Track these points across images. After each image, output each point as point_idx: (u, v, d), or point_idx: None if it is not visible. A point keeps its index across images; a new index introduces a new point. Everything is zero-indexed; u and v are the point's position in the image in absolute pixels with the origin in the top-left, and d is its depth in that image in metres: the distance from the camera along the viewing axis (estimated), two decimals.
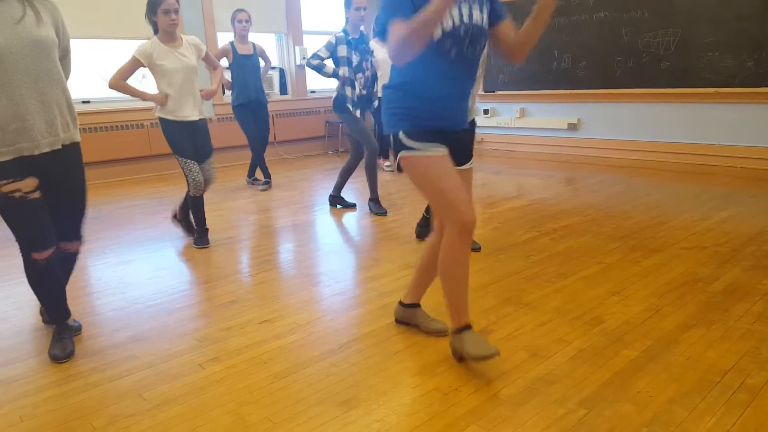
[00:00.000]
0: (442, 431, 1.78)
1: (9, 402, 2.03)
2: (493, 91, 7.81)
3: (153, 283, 3.18)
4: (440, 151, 2.02)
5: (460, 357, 2.19)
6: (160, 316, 2.74)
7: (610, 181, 5.47)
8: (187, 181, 3.67)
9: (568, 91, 7.05)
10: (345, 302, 2.82)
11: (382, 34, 1.92)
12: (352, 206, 4.79)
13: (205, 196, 3.86)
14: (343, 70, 4.30)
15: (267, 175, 5.81)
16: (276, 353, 2.32)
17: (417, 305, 2.49)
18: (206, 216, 4.05)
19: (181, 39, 3.56)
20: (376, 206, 4.56)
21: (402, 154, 2.05)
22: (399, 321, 2.54)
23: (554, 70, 7.11)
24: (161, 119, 3.57)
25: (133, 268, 3.45)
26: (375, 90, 4.55)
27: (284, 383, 2.09)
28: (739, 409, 1.82)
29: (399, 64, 1.94)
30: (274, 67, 7.77)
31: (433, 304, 2.71)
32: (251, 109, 5.54)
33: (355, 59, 4.28)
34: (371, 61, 4.45)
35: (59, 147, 2.20)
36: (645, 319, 2.51)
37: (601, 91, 6.76)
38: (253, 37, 5.71)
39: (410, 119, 2.02)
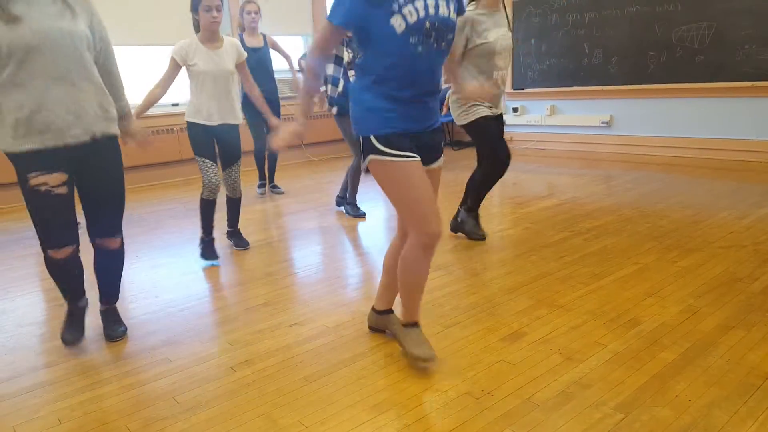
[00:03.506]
0: None
1: (47, 404, 2.08)
2: (523, 89, 7.72)
3: (184, 287, 3.22)
4: (411, 158, 1.96)
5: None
6: (191, 319, 2.77)
7: (645, 179, 5.36)
8: (203, 181, 3.55)
9: (600, 88, 6.92)
10: None
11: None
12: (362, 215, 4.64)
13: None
14: (331, 68, 4.24)
15: (262, 177, 5.72)
16: (307, 356, 2.32)
17: (390, 311, 2.42)
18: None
19: (222, 40, 3.41)
20: (353, 209, 4.61)
21: (372, 157, 1.98)
22: (372, 328, 2.50)
23: (585, 66, 7.00)
24: (188, 122, 3.47)
25: (164, 272, 3.50)
26: None
27: (315, 386, 2.09)
28: None
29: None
30: (300, 70, 7.79)
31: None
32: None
33: (347, 56, 4.19)
34: None
35: (88, 139, 2.19)
36: (682, 320, 2.44)
37: (634, 87, 6.62)
38: (279, 39, 5.69)
39: (381, 121, 1.95)
